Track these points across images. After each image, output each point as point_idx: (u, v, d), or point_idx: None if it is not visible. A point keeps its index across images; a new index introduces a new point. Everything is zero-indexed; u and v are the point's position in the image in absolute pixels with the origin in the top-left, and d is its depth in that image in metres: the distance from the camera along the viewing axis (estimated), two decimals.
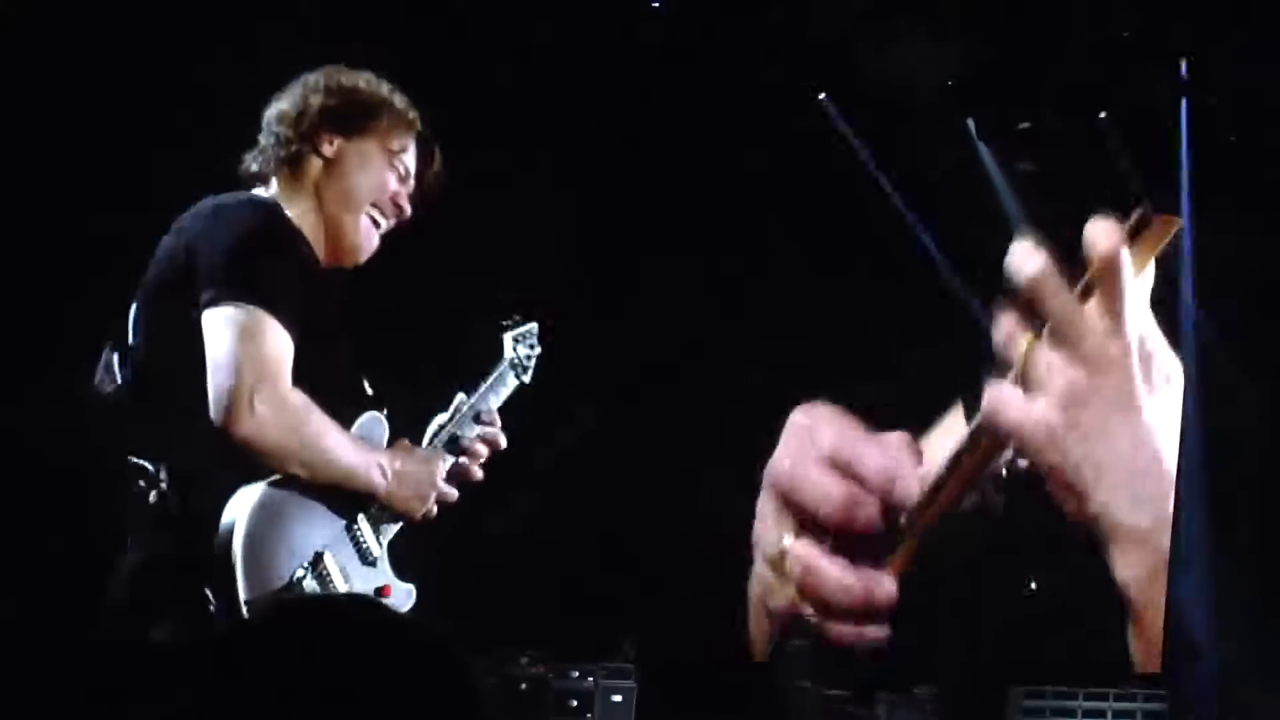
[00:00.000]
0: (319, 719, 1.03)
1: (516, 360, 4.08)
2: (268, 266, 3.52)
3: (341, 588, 3.57)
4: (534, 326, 4.15)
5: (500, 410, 4.04)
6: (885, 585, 1.64)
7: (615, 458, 8.51)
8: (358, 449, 3.62)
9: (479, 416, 3.92)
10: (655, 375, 8.85)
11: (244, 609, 3.33)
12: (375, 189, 3.78)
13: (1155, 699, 8.73)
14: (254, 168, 3.79)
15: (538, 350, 4.13)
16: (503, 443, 3.97)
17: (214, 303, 3.43)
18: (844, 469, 1.64)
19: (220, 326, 3.43)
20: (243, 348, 3.41)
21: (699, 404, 8.88)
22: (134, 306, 3.64)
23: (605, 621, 8.02)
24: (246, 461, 3.43)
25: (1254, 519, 9.09)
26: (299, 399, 3.47)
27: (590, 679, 7.36)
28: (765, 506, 1.75)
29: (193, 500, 3.44)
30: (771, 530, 1.74)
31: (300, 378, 3.52)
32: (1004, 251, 1.61)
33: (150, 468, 3.45)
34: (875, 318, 9.15)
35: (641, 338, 8.71)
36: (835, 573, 1.65)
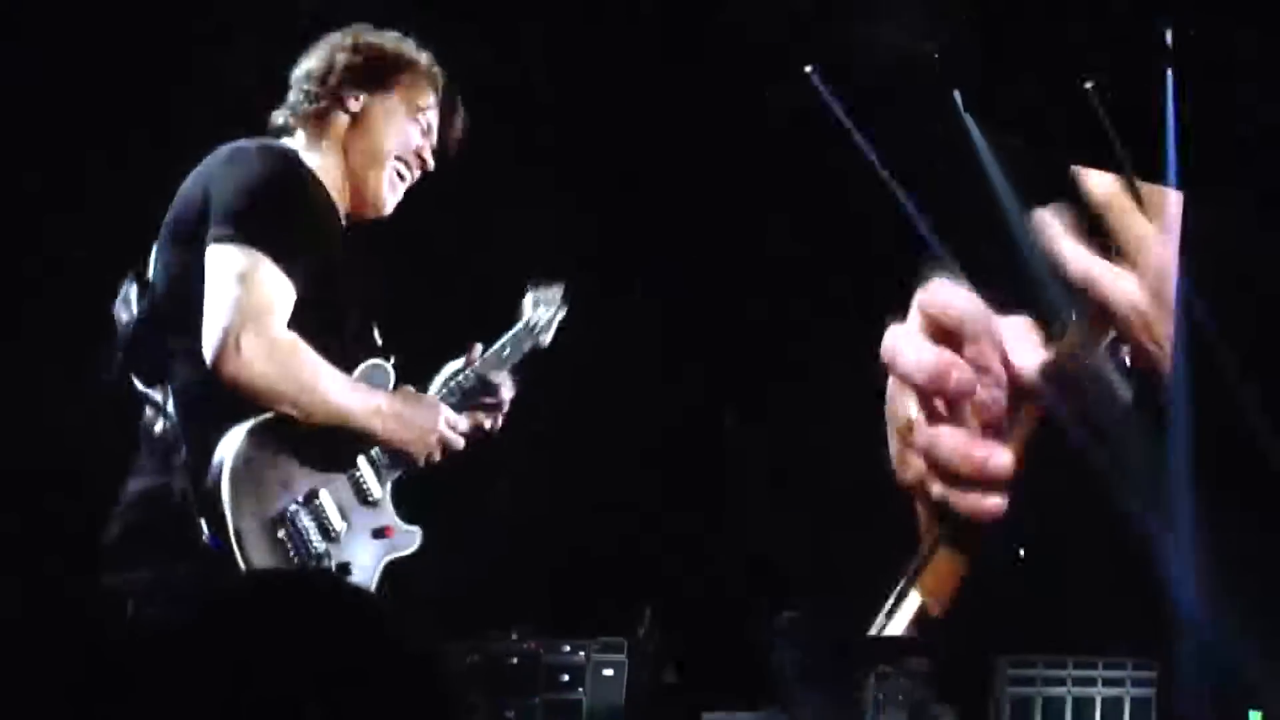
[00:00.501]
0: (282, 705, 1.03)
1: (535, 321, 4.11)
2: (275, 211, 3.61)
3: (339, 526, 3.62)
4: (558, 290, 4.19)
5: (518, 370, 4.09)
6: (1001, 456, 1.69)
7: (613, 430, 8.51)
8: (354, 390, 3.67)
9: (488, 375, 3.97)
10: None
11: (234, 539, 3.38)
12: (400, 144, 3.91)
13: (1143, 667, 8.79)
14: (280, 121, 3.90)
15: (560, 313, 4.16)
16: (506, 400, 4.02)
17: (217, 241, 3.53)
18: (952, 340, 1.69)
19: (219, 265, 3.52)
20: (237, 288, 3.49)
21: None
22: (155, 244, 3.73)
23: (605, 596, 8.03)
24: (241, 401, 3.49)
25: (1245, 499, 9.13)
26: (289, 340, 3.53)
27: (582, 653, 7.38)
28: (889, 382, 1.80)
29: (194, 432, 3.49)
30: (898, 402, 1.79)
31: (308, 325, 3.60)
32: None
33: (157, 398, 3.54)
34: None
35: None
36: (953, 440, 1.70)
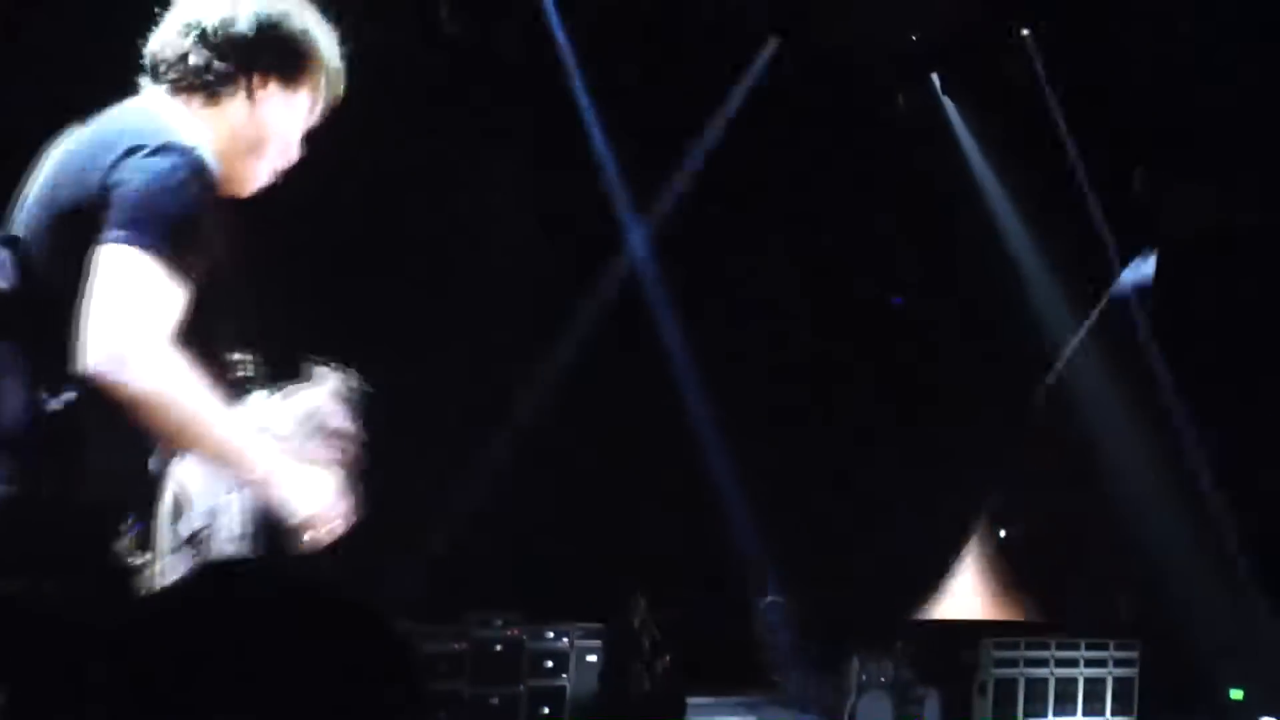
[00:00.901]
0: (245, 681, 1.03)
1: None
2: (179, 222, 3.34)
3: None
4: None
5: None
6: None
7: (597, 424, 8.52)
8: (243, 438, 3.35)
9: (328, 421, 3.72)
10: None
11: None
12: (288, 134, 3.65)
13: (1126, 647, 8.84)
14: (170, 76, 3.51)
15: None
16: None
17: (115, 241, 3.31)
18: None
19: (114, 267, 3.35)
20: (131, 295, 3.33)
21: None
22: (30, 208, 3.40)
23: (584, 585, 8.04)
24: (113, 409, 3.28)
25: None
26: (180, 360, 3.26)
27: (565, 639, 7.39)
28: None
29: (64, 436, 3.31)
30: None
31: (191, 330, 3.28)
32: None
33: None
34: None
35: None
36: None
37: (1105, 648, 8.80)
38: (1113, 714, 8.74)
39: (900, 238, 9.64)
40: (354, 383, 3.70)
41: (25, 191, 3.46)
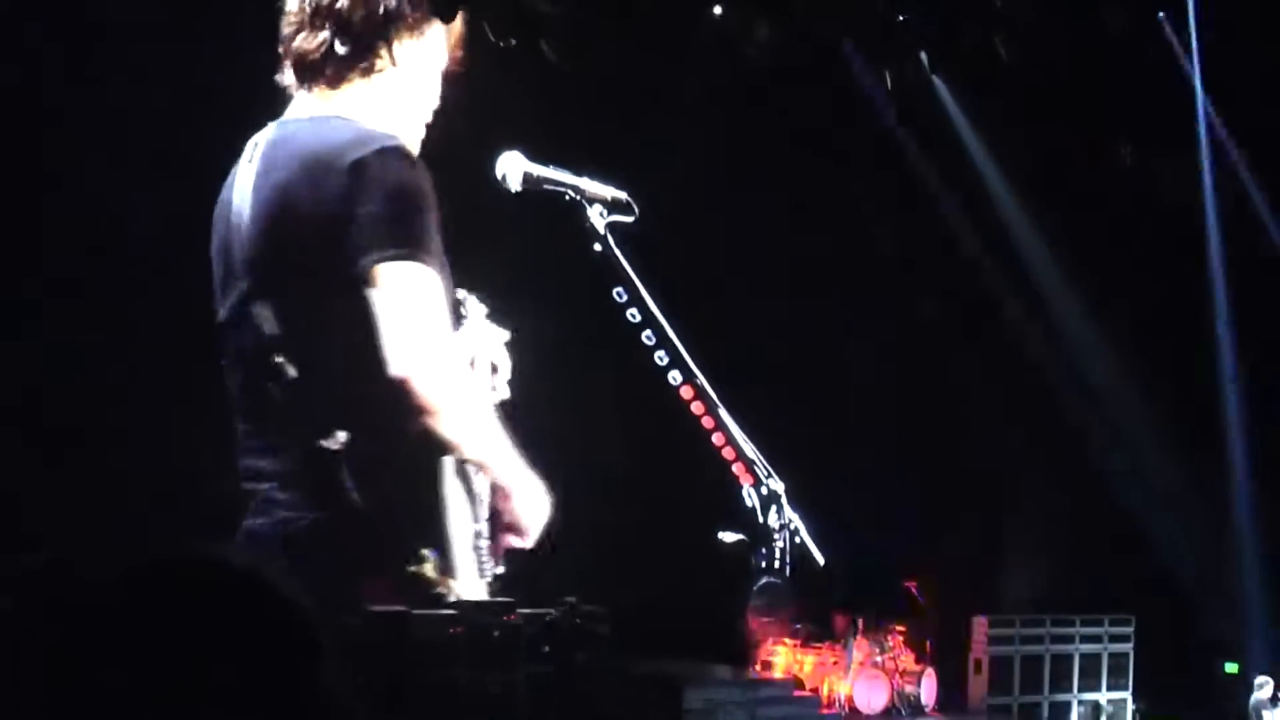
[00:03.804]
0: (162, 670, 1.02)
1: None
2: (427, 224, 3.49)
3: None
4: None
5: None
6: None
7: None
8: (506, 450, 3.67)
9: None
10: None
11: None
12: (432, 82, 3.76)
13: (1120, 624, 8.84)
14: (324, 70, 3.63)
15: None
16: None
17: (390, 259, 3.40)
18: None
19: (396, 281, 3.43)
20: (421, 304, 3.44)
21: None
22: (255, 259, 3.52)
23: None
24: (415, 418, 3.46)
25: None
26: (465, 367, 3.57)
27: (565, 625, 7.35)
28: None
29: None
30: None
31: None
32: None
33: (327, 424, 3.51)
34: None
35: None
36: None
37: (1100, 624, 8.81)
38: (1108, 689, 8.76)
39: None
40: None
41: (221, 232, 3.54)
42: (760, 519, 3.81)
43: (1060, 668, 8.66)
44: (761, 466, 3.86)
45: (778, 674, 7.73)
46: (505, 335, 3.79)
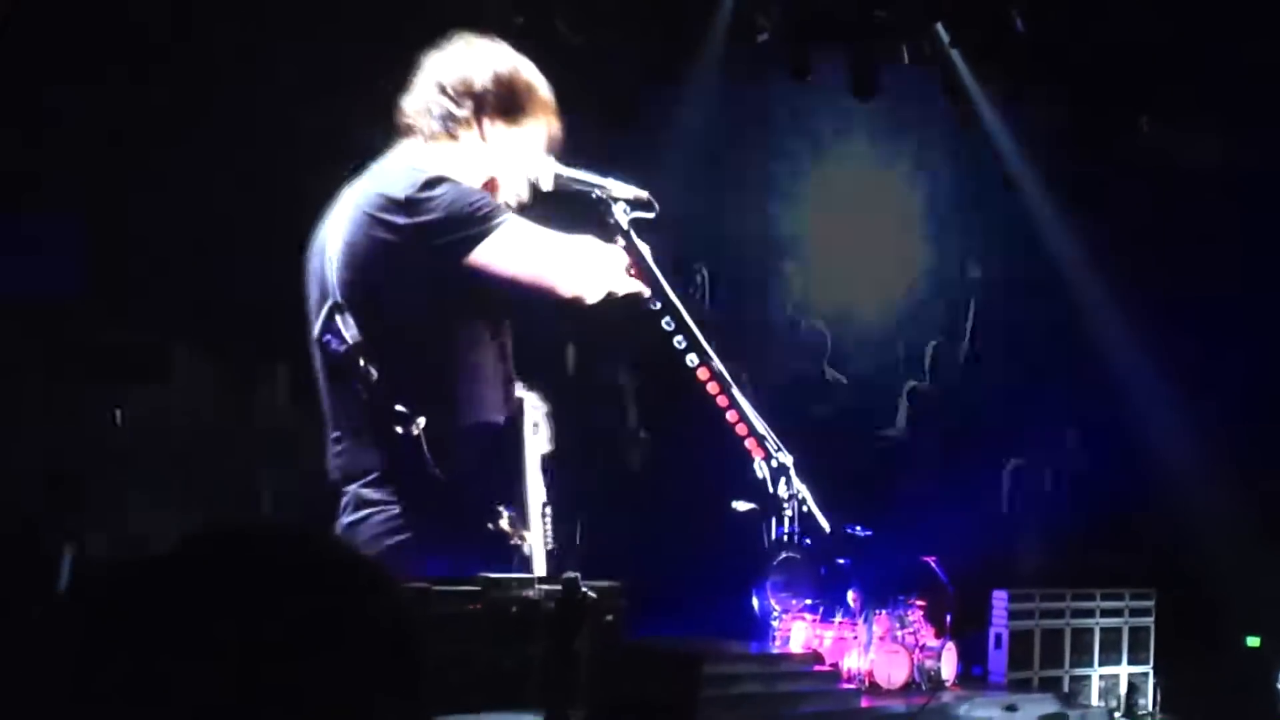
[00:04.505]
0: (248, 646, 1.00)
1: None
2: (484, 206, 4.09)
3: None
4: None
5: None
6: None
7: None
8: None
9: None
10: None
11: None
12: (516, 169, 4.34)
13: (1140, 597, 8.80)
14: (409, 120, 4.27)
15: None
16: None
17: (481, 236, 4.01)
18: None
19: (506, 244, 4.02)
20: (541, 242, 4.09)
21: None
22: (336, 271, 4.05)
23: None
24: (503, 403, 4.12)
25: None
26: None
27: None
28: None
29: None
30: None
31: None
32: None
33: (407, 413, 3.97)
34: None
35: None
36: None
37: (1121, 598, 8.77)
38: (1129, 663, 8.72)
39: None
40: None
41: (315, 265, 4.16)
42: (771, 489, 4.07)
43: (1081, 641, 8.61)
44: (772, 441, 4.12)
45: (796, 649, 7.71)
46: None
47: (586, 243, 4.20)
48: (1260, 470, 9.08)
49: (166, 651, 1.00)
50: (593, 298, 4.09)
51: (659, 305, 4.38)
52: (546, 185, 4.34)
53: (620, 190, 4.42)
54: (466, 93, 4.20)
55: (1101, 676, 8.64)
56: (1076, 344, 9.66)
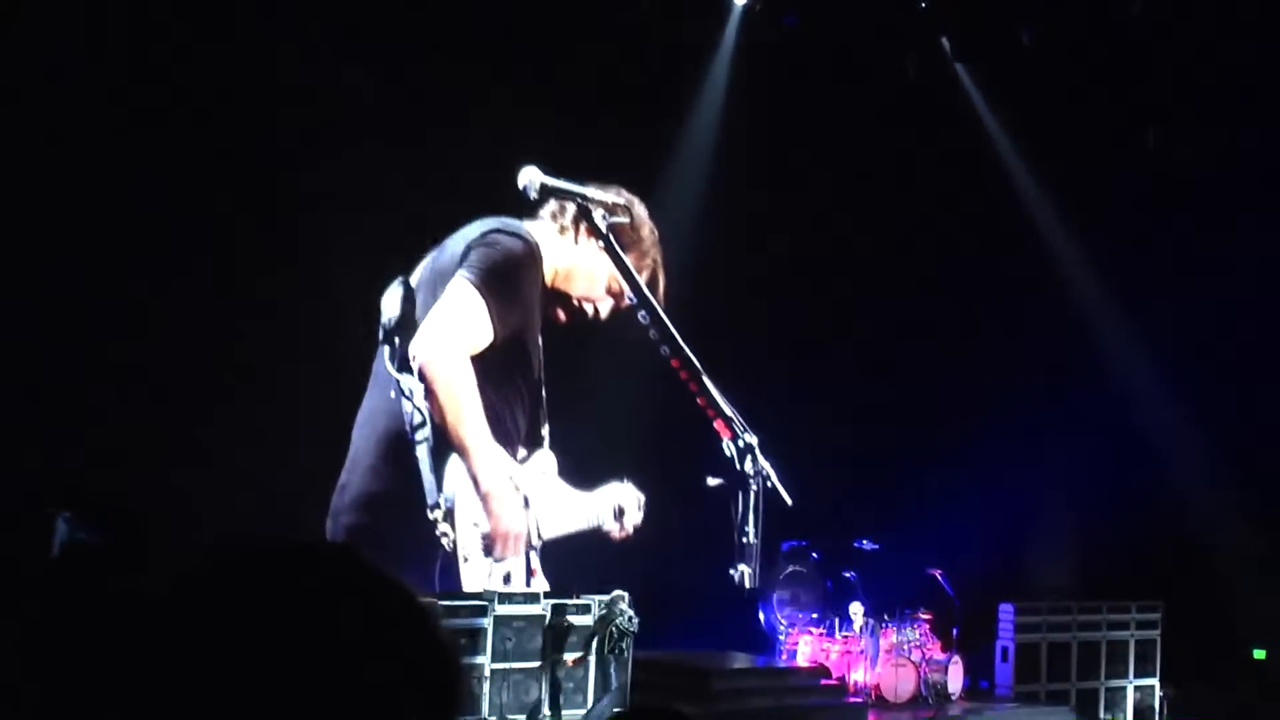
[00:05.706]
0: (289, 672, 1.01)
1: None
2: (504, 275, 5.16)
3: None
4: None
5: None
6: None
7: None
8: (488, 449, 5.12)
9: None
10: None
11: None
12: (598, 279, 5.56)
13: (1148, 610, 8.78)
14: (541, 214, 5.57)
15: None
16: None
17: (462, 277, 5.17)
18: None
19: (454, 290, 5.13)
20: (456, 310, 5.08)
21: None
22: (421, 269, 5.43)
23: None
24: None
25: None
26: (467, 367, 5.03)
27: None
28: None
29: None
30: None
31: (495, 362, 5.16)
32: None
33: (404, 383, 5.16)
34: None
35: None
36: None
37: (1128, 610, 8.75)
38: (1136, 675, 8.71)
39: None
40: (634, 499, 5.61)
41: (389, 305, 5.32)
42: (737, 467, 4.35)
43: (1088, 654, 8.60)
44: (738, 423, 4.42)
45: (803, 662, 7.71)
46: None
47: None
48: (1268, 476, 9.06)
49: (216, 670, 1.00)
50: (422, 367, 5.12)
51: (635, 301, 4.66)
52: (533, 194, 4.66)
53: (599, 196, 4.79)
54: (581, 222, 5.19)
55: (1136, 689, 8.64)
56: (1088, 353, 9.65)
